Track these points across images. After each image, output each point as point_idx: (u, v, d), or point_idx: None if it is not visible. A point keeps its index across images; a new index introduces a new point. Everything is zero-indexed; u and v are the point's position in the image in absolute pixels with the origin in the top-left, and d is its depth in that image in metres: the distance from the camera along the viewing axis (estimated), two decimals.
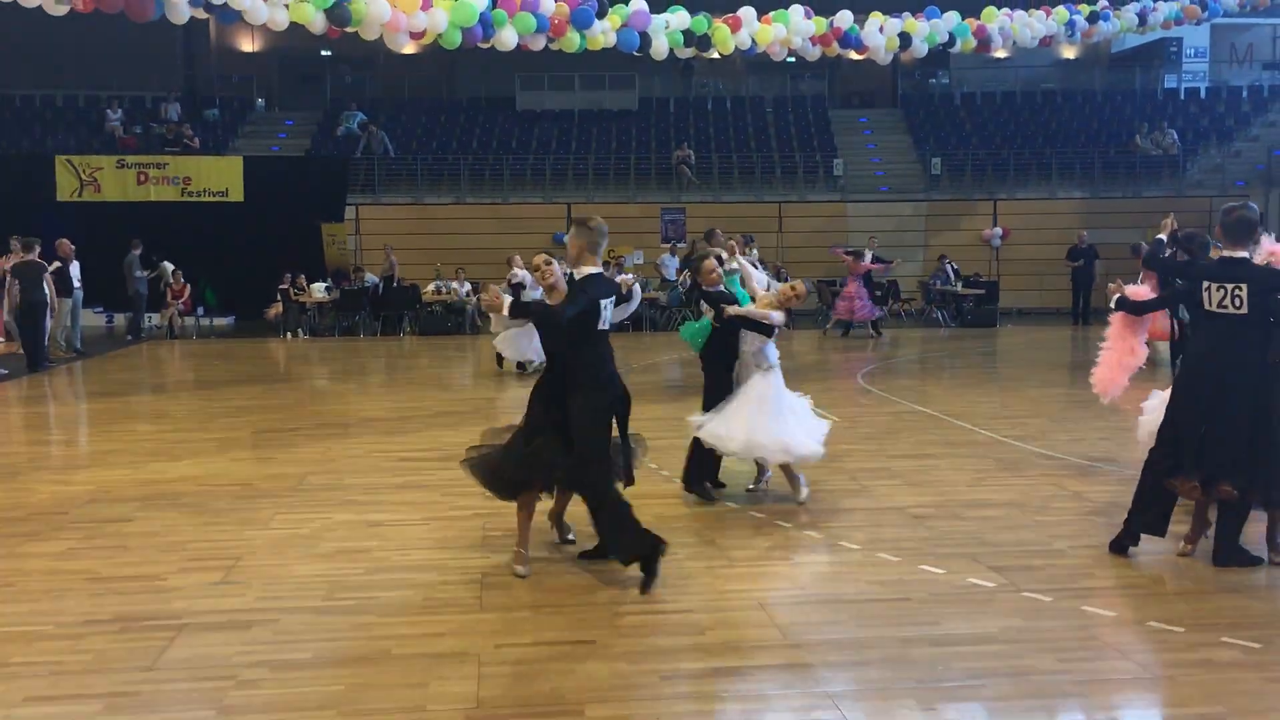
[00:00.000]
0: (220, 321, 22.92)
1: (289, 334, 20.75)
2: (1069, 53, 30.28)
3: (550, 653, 4.84)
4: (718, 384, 7.65)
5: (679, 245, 23.95)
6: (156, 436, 10.44)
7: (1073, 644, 4.93)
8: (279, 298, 21.11)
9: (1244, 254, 5.97)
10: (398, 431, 10.54)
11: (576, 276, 5.87)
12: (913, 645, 4.90)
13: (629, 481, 6.01)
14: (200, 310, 22.16)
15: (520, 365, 14.47)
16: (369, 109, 27.95)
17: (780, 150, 27.44)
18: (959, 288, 22.94)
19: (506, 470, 5.94)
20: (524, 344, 13.67)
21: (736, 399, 7.41)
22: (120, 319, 22.27)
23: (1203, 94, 29.82)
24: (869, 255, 20.37)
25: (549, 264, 6.09)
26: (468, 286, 21.91)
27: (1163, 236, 7.87)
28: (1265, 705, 4.32)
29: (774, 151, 27.38)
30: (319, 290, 21.36)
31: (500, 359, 14.82)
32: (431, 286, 21.84)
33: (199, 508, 7.48)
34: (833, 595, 5.64)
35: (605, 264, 20.40)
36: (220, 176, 22.54)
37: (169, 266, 21.08)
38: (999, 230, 25.37)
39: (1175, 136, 27.04)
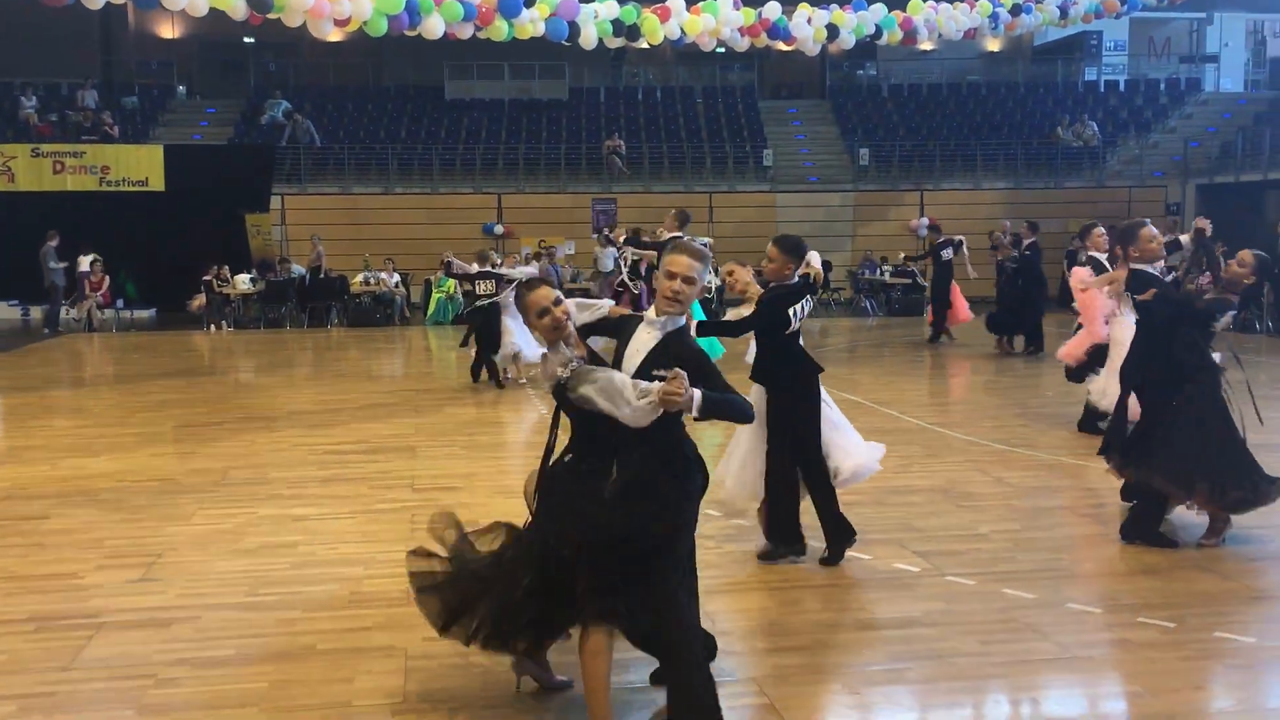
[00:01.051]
0: (141, 314, 22.39)
1: (212, 326, 20.37)
2: (993, 45, 30.75)
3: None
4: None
5: (608, 233, 23.90)
6: (74, 432, 10.19)
7: (994, 626, 5.02)
8: (202, 289, 20.71)
9: None
10: (325, 424, 10.40)
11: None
12: (838, 630, 4.95)
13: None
14: (120, 303, 21.64)
15: (497, 380, 12.60)
16: (294, 97, 27.51)
17: (710, 141, 27.52)
18: (887, 277, 23.23)
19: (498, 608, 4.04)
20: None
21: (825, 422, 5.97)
22: (36, 312, 21.68)
23: (1122, 87, 30.46)
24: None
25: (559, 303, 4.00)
26: (396, 278, 21.69)
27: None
28: (1180, 683, 4.44)
29: (704, 142, 27.46)
30: (243, 282, 20.99)
31: (478, 373, 12.77)
32: (360, 277, 21.58)
33: (118, 504, 7.31)
34: (760, 582, 5.67)
35: (537, 255, 20.17)
36: (140, 165, 22.03)
37: (89, 258, 20.57)
38: (925, 220, 25.69)
39: (1095, 128, 27.60)
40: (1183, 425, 6.05)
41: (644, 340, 3.97)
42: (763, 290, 5.85)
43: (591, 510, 3.81)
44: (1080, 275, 9.95)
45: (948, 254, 17.17)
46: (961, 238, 17.59)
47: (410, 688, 4.38)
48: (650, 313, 4.01)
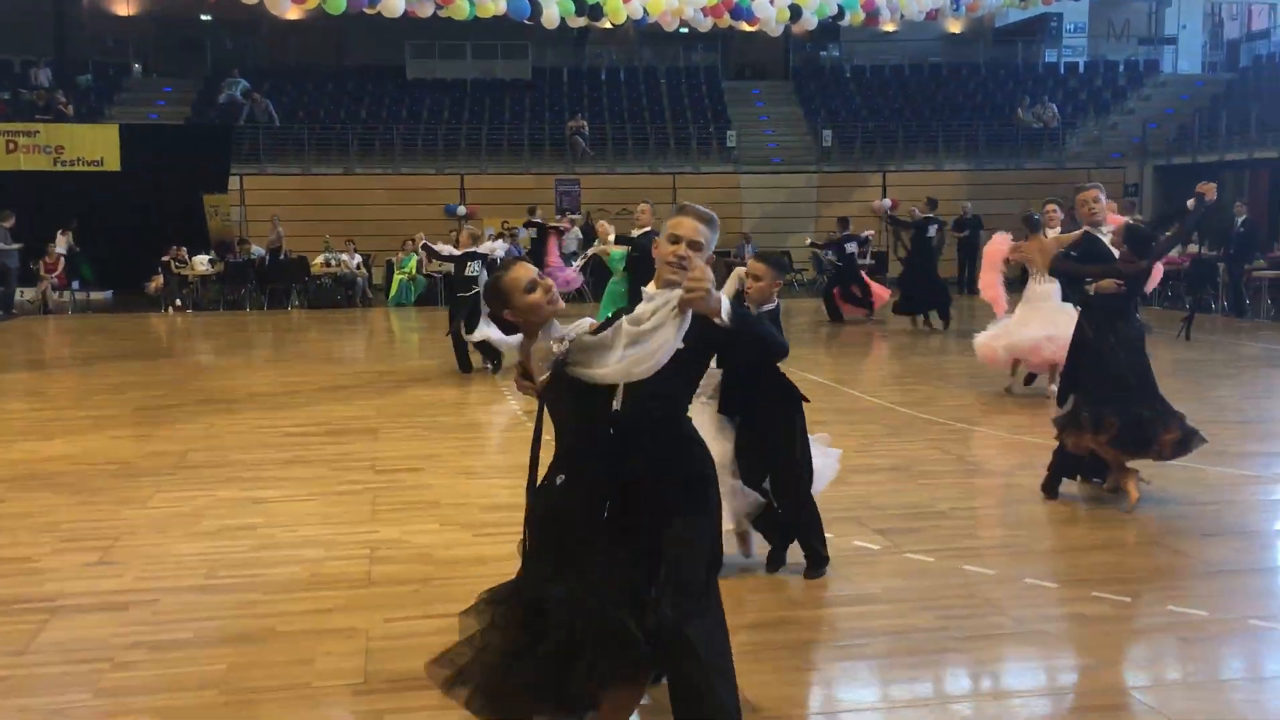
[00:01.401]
0: (97, 296, 22.10)
1: (170, 308, 20.14)
2: (954, 27, 30.87)
3: (440, 625, 4.78)
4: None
5: (572, 215, 23.84)
6: (29, 415, 10.05)
7: (952, 602, 5.07)
8: (160, 271, 20.46)
9: None
10: (285, 406, 10.32)
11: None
12: (799, 607, 4.99)
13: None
14: (76, 284, 21.35)
15: (491, 360, 12.08)
16: (252, 76, 27.15)
17: (674, 121, 27.47)
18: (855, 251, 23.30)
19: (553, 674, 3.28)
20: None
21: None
22: None
23: (1081, 68, 30.68)
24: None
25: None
26: (358, 259, 21.53)
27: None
28: (1133, 655, 4.51)
29: (668, 123, 27.41)
30: (202, 263, 20.76)
31: (465, 360, 12.27)
32: (320, 259, 21.41)
33: (74, 487, 7.22)
34: (723, 560, 5.68)
35: (499, 235, 20.06)
36: (95, 145, 21.72)
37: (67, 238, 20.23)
38: (888, 201, 25.78)
39: (1055, 110, 27.80)
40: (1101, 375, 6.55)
41: None
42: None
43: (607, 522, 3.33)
44: (998, 242, 11.39)
45: (933, 231, 17.00)
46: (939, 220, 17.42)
47: (371, 668, 4.37)
48: (649, 289, 3.44)
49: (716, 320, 3.09)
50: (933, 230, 16.71)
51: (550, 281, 3.42)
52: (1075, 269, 6.88)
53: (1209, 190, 6.63)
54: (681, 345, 3.11)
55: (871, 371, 12.33)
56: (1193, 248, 20.25)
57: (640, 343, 3.06)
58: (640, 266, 10.41)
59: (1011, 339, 10.29)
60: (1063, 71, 30.63)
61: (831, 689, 4.23)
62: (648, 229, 11.06)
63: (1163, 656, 4.50)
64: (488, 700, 3.33)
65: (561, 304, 3.42)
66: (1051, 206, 10.31)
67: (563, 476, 3.38)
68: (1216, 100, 27.44)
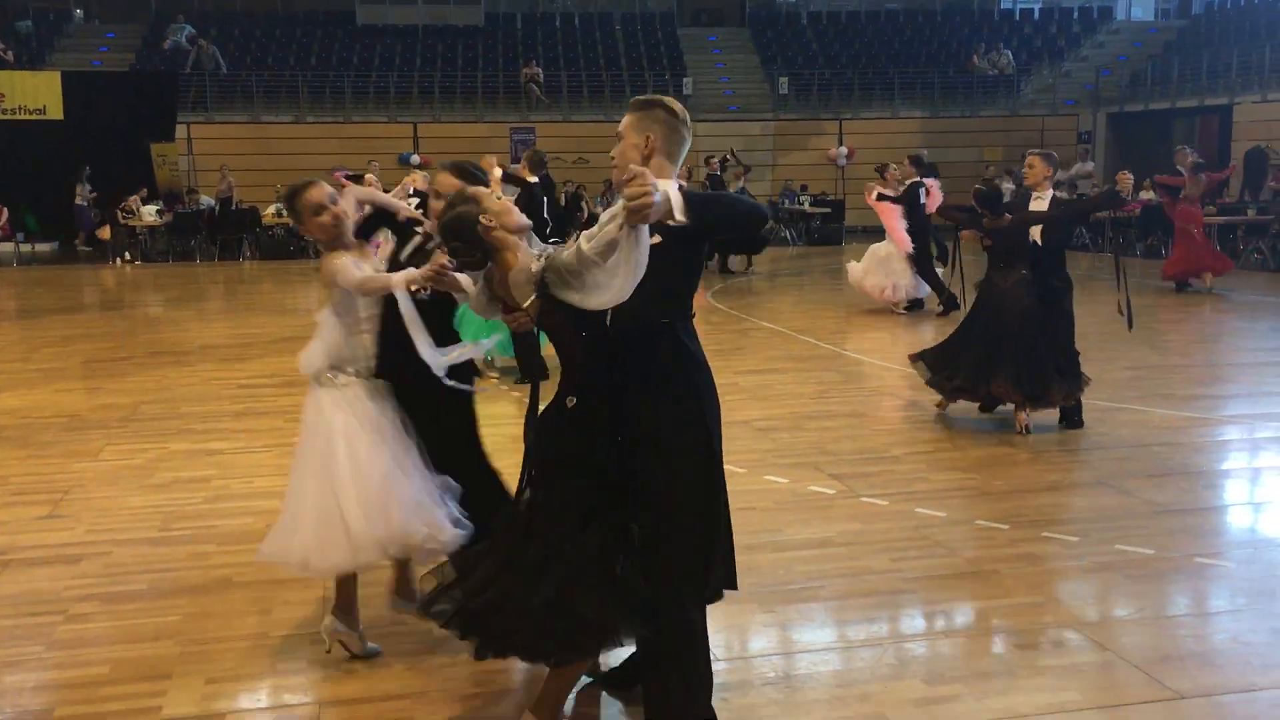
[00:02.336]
0: (42, 247, 21.67)
1: (119, 259, 19.80)
2: None
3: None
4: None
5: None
6: None
7: (906, 544, 5.14)
8: (107, 221, 20.08)
9: None
10: (237, 358, 10.21)
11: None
12: (756, 552, 5.03)
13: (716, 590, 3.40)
14: (20, 236, 20.91)
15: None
16: (197, 22, 26.55)
17: (629, 69, 27.22)
18: (807, 206, 23.35)
19: (589, 608, 3.14)
20: None
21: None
22: None
23: (1036, 15, 30.72)
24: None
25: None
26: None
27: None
28: (1081, 592, 4.60)
29: (623, 70, 27.15)
30: (150, 213, 20.39)
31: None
32: (272, 209, 21.08)
33: (22, 440, 7.12)
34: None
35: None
36: (37, 93, 21.18)
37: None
38: (844, 150, 25.81)
39: (1010, 57, 27.85)
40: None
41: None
42: None
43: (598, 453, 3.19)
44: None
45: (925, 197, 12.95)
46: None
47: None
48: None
49: (671, 222, 2.83)
50: (924, 196, 12.79)
51: (340, 209, 3.53)
52: (952, 216, 7.81)
53: (1124, 184, 6.92)
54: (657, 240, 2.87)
55: (827, 319, 12.39)
56: (1144, 194, 20.45)
57: (597, 267, 2.86)
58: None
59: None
60: (1018, 18, 30.65)
61: (788, 630, 4.28)
62: (533, 179, 9.56)
63: (1110, 594, 4.60)
64: (466, 622, 3.23)
65: (525, 221, 3.26)
66: (893, 169, 12.53)
67: (574, 399, 3.17)
68: (1169, 47, 27.60)
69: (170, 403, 8.29)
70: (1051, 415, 7.34)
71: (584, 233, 2.93)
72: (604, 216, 2.88)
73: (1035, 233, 7.15)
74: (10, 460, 6.71)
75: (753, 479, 6.17)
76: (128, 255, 19.95)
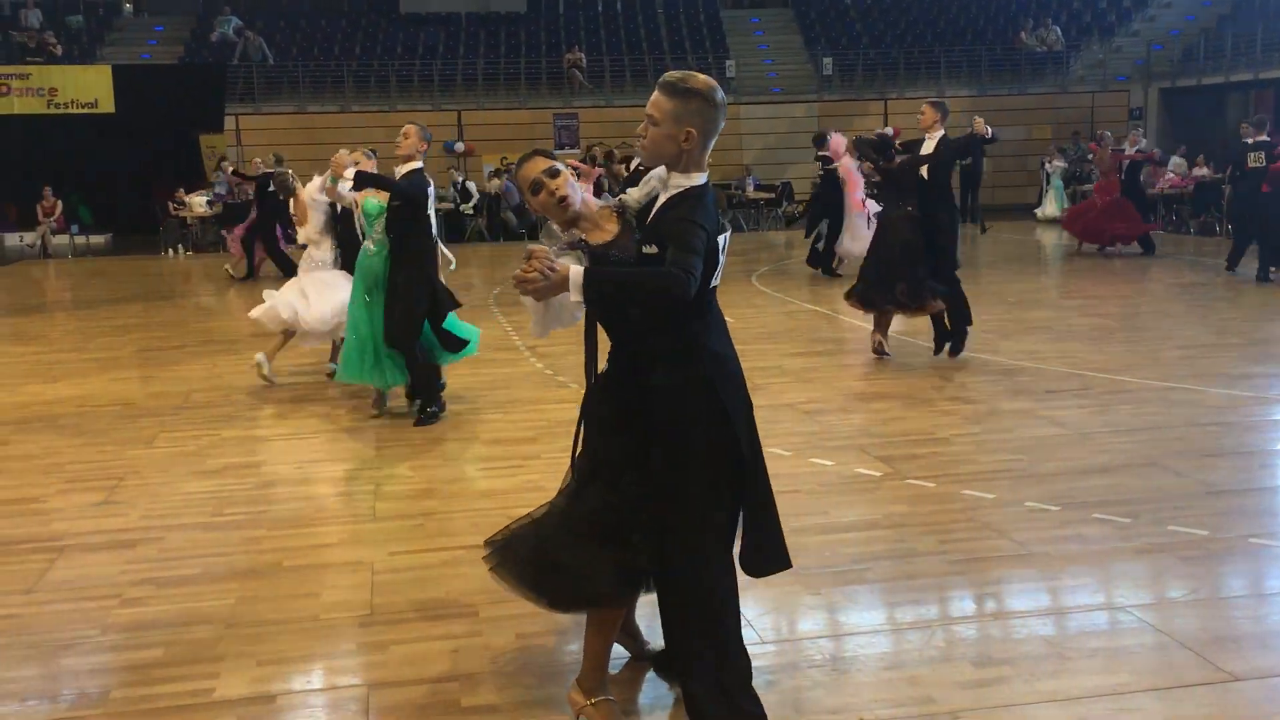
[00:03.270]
0: (96, 239, 22.03)
1: (170, 250, 20.07)
2: None
3: (444, 558, 4.84)
4: None
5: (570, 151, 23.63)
6: (32, 358, 10.06)
7: (954, 526, 5.10)
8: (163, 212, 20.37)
9: None
10: (287, 346, 10.29)
11: (661, 188, 3.22)
12: (802, 534, 5.00)
13: (760, 570, 3.41)
14: (74, 228, 21.26)
15: None
16: (244, 13, 26.77)
17: (672, 52, 27.11)
18: None
19: (573, 560, 3.32)
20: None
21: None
22: None
23: None
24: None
25: (556, 175, 3.38)
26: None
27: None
28: (1132, 574, 4.53)
29: (665, 54, 27.05)
30: (200, 204, 20.64)
31: None
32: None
33: (78, 429, 7.25)
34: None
35: (497, 170, 19.70)
36: (89, 87, 21.48)
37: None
38: (890, 130, 25.51)
39: (1059, 32, 27.41)
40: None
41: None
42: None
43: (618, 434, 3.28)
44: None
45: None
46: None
47: (377, 600, 4.40)
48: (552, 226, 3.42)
49: (574, 299, 2.95)
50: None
51: (562, 183, 3.37)
52: (865, 153, 9.47)
53: (979, 126, 9.01)
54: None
55: None
56: (1198, 170, 20.07)
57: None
58: (403, 224, 7.12)
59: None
60: None
61: (835, 613, 4.26)
62: (415, 165, 7.21)
63: (1163, 575, 4.53)
64: (508, 566, 3.47)
65: (576, 208, 3.37)
66: (838, 137, 14.55)
67: (605, 366, 3.37)
68: (1222, 21, 27.02)
69: (221, 390, 8.40)
70: (1082, 401, 7.24)
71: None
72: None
73: (925, 171, 8.59)
74: (66, 448, 6.84)
75: (799, 461, 6.15)
76: (180, 246, 20.21)
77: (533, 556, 3.39)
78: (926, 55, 26.90)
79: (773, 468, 5.56)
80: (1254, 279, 13.08)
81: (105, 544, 5.13)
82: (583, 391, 3.46)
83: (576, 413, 3.48)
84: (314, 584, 4.60)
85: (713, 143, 3.19)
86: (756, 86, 26.73)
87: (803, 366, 8.75)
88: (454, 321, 7.46)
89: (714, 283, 3.20)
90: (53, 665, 3.98)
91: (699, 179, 3.14)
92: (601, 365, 3.40)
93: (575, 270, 2.91)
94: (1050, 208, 22.00)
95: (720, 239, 3.15)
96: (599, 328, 3.35)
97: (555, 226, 3.38)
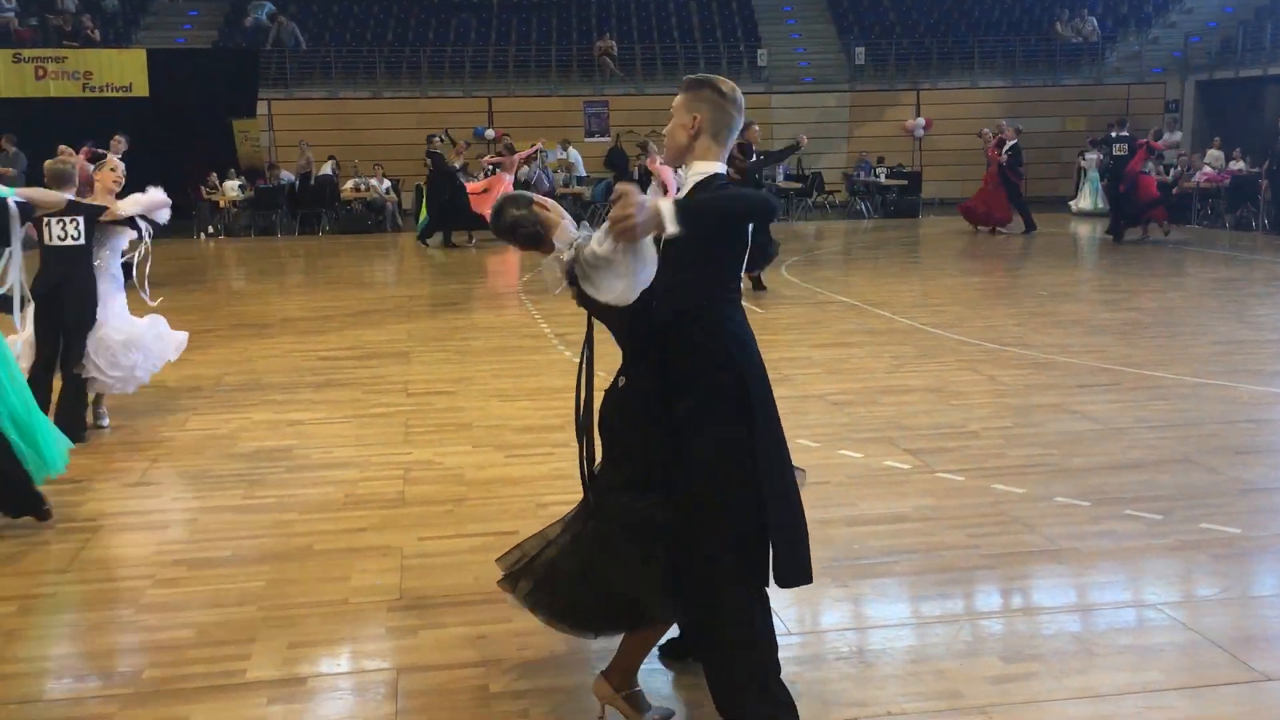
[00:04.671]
0: None
1: (202, 234, 20.22)
2: None
3: (473, 544, 4.86)
4: None
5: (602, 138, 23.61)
6: None
7: (983, 520, 5.07)
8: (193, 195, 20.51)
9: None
10: (317, 331, 10.38)
11: (681, 177, 3.29)
12: (830, 526, 5.00)
13: (789, 581, 3.22)
14: None
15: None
16: None
17: (703, 41, 27.02)
18: (882, 179, 23.04)
19: (624, 584, 3.23)
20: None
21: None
22: None
23: None
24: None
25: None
26: (387, 184, 21.46)
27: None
28: (1163, 571, 4.50)
29: (697, 42, 26.96)
30: (232, 189, 20.77)
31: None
32: (350, 183, 21.36)
33: (112, 410, 7.29)
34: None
35: (527, 158, 19.79)
36: (123, 70, 21.62)
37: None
38: (922, 121, 25.40)
39: (1095, 23, 27.11)
40: None
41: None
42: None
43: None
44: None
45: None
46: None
47: (406, 585, 4.43)
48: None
49: (668, 230, 2.80)
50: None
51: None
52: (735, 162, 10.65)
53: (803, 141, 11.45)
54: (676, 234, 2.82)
55: (901, 293, 12.23)
56: (1234, 164, 19.85)
57: (607, 267, 2.97)
58: None
59: None
60: None
61: (861, 605, 4.26)
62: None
63: (1195, 573, 4.50)
64: (543, 598, 3.36)
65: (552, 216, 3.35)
66: (755, 129, 12.65)
67: (623, 379, 3.26)
68: (1261, 12, 26.62)
69: (253, 374, 8.46)
70: (1114, 396, 7.18)
71: (604, 226, 2.91)
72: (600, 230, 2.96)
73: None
74: (100, 431, 6.91)
75: (827, 453, 6.14)
76: (211, 230, 20.36)
77: (573, 586, 3.29)
78: (960, 45, 26.68)
79: (801, 459, 5.55)
80: None
81: (139, 525, 5.19)
82: (577, 400, 3.44)
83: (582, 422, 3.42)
84: (344, 568, 4.63)
85: (730, 137, 3.17)
86: (788, 75, 26.60)
87: (832, 358, 8.72)
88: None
89: (740, 273, 3.22)
90: (87, 644, 4.03)
91: (719, 166, 3.13)
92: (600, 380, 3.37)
93: (665, 203, 2.81)
94: (1085, 201, 21.84)
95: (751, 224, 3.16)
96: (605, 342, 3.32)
97: (557, 241, 3.32)
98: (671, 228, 2.79)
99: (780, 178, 23.06)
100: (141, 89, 21.50)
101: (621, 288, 2.97)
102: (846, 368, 8.36)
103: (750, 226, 3.16)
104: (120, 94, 21.48)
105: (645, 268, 2.94)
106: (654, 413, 3.16)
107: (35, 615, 4.24)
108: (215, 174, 20.72)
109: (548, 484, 5.66)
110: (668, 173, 7.81)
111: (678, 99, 3.18)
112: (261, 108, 23.57)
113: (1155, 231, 17.36)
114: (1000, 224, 18.70)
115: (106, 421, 7.02)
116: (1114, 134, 19.88)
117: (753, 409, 3.08)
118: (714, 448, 3.08)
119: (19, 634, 4.07)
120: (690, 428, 3.10)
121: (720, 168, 3.13)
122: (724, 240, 3.08)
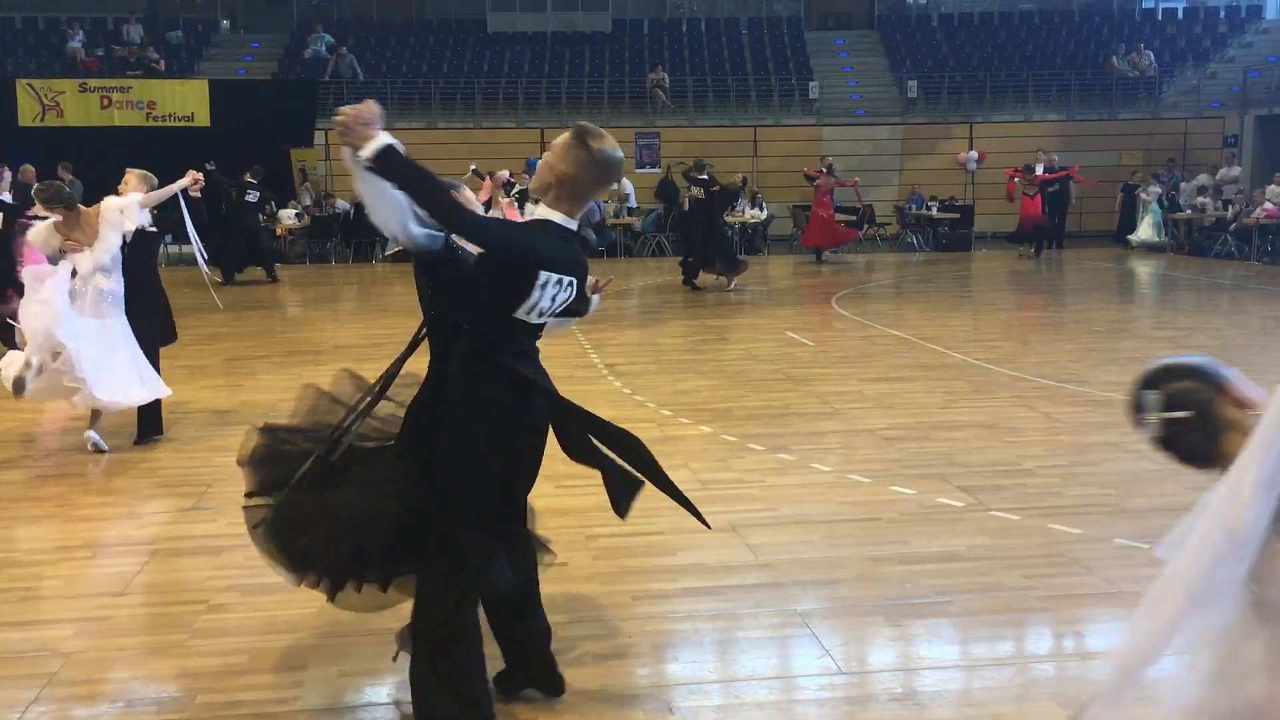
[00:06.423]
0: (188, 249, 22.58)
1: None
2: None
3: None
4: None
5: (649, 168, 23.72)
6: None
7: (1039, 561, 4.99)
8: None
9: None
10: (370, 358, 10.45)
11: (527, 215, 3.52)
12: (882, 564, 4.95)
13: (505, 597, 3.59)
14: (169, 238, 21.82)
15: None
16: (336, 31, 27.38)
17: (755, 73, 27.11)
18: (934, 212, 22.93)
19: (323, 532, 3.52)
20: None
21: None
22: None
23: (1180, 14, 29.56)
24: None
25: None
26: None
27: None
28: None
29: (749, 75, 27.06)
30: (289, 217, 21.09)
31: None
32: None
33: (169, 435, 7.42)
34: (804, 516, 5.68)
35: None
36: (185, 100, 22.09)
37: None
38: (974, 154, 25.25)
39: (1152, 58, 26.87)
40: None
41: None
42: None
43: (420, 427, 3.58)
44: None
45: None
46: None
47: None
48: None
49: (362, 164, 3.03)
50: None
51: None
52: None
53: (734, 181, 12.25)
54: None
55: (955, 327, 12.13)
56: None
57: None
58: None
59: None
60: (1160, 17, 29.54)
61: (913, 645, 4.20)
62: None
63: None
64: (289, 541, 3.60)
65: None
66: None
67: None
68: None
69: None
70: None
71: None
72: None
73: None
74: (159, 454, 7.01)
75: (878, 489, 6.08)
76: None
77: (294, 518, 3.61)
78: (1014, 79, 26.54)
79: (851, 494, 5.51)
80: None
81: (194, 549, 5.25)
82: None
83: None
84: (396, 596, 4.63)
85: (584, 200, 3.37)
86: (840, 108, 26.60)
87: (883, 392, 8.65)
88: None
89: (531, 318, 3.32)
90: (141, 668, 4.07)
91: (556, 216, 3.32)
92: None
93: (384, 136, 3.02)
94: (1146, 232, 21.64)
95: (544, 274, 3.22)
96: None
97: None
98: (366, 153, 2.99)
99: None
100: (203, 119, 21.94)
101: (376, 215, 3.33)
102: (898, 402, 8.29)
103: (541, 277, 3.23)
104: (183, 124, 21.94)
105: (375, 193, 3.18)
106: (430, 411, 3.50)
107: (91, 639, 4.29)
108: (272, 202, 21.04)
109: (597, 515, 5.64)
110: (514, 210, 8.32)
111: (562, 139, 3.36)
112: (319, 138, 23.95)
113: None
114: (833, 248, 20.23)
115: (101, 443, 7.06)
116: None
117: (477, 443, 3.36)
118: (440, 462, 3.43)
119: (75, 657, 4.12)
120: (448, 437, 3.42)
121: (559, 219, 3.31)
122: (497, 272, 3.24)
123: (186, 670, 4.01)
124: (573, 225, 3.35)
